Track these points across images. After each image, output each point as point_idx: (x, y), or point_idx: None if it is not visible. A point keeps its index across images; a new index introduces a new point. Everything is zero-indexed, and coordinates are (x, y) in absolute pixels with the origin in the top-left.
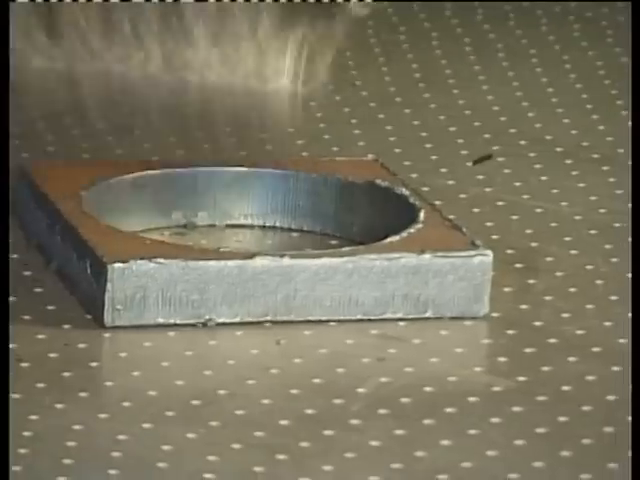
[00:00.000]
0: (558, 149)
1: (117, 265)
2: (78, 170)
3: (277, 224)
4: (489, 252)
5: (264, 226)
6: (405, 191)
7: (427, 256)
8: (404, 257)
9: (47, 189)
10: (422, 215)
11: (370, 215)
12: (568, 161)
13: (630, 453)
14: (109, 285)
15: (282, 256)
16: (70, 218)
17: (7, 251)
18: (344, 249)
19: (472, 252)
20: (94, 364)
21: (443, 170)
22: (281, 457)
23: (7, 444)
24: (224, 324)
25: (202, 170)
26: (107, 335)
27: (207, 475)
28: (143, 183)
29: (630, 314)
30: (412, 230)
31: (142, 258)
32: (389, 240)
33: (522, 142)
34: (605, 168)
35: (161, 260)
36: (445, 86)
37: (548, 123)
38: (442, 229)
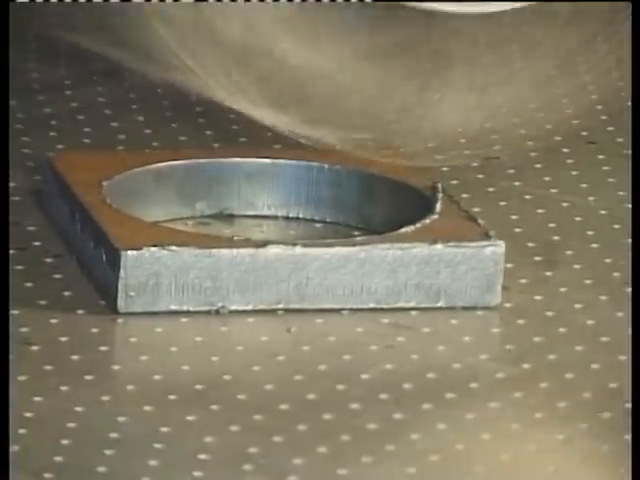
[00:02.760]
0: (592, 145)
1: (130, 252)
2: (102, 160)
3: (300, 215)
4: (501, 243)
5: (287, 217)
6: (425, 183)
7: (439, 246)
8: (416, 247)
9: (70, 178)
10: (438, 206)
11: (391, 207)
12: (601, 156)
13: (626, 437)
14: (122, 272)
15: (294, 245)
16: (90, 207)
17: (7, 246)
18: (357, 238)
19: (484, 242)
20: (103, 348)
21: (474, 164)
22: (277, 439)
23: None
24: (236, 312)
25: (226, 161)
26: (120, 321)
27: (202, 456)
28: (167, 173)
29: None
30: (427, 221)
31: (155, 245)
32: (403, 230)
33: (557, 138)
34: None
35: (174, 247)
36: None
37: (586, 120)
38: (457, 220)
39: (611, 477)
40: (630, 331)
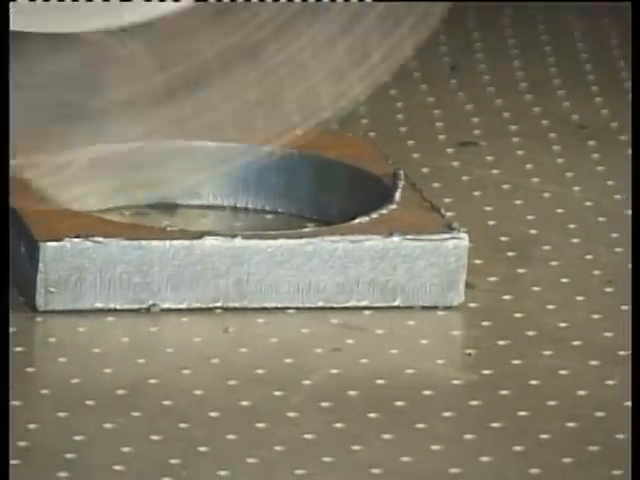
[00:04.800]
0: (583, 130)
1: (50, 244)
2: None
3: (249, 205)
4: (465, 235)
5: (235, 207)
6: (388, 170)
7: (395, 239)
8: (370, 239)
9: None
10: (397, 195)
11: (349, 196)
12: (591, 142)
13: (591, 448)
14: (41, 265)
15: (234, 236)
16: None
17: (7, 247)
18: (304, 230)
19: (446, 235)
20: (19, 349)
21: (449, 150)
22: (203, 449)
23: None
24: (170, 310)
25: (167, 145)
26: (38, 319)
27: (117, 467)
28: (101, 157)
29: (628, 307)
30: (384, 211)
31: (78, 236)
32: (356, 221)
33: (545, 122)
34: (630, 152)
35: (99, 239)
36: (471, 61)
37: (578, 102)
38: (418, 211)
39: None
40: (609, 333)
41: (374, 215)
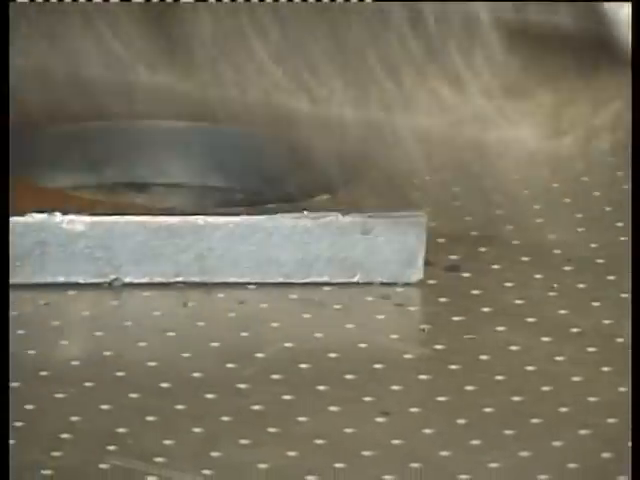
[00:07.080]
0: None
1: (14, 218)
2: None
3: (218, 184)
4: (423, 213)
5: (205, 186)
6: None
7: (355, 216)
8: (329, 216)
9: None
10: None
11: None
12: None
13: (534, 420)
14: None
15: (195, 213)
16: None
17: (7, 245)
18: (265, 207)
19: (405, 213)
20: None
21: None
22: (150, 419)
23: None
24: (132, 284)
25: (138, 123)
26: None
27: (64, 435)
28: (73, 136)
29: (584, 285)
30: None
31: (43, 212)
32: (317, 198)
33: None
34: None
35: (63, 214)
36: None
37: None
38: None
39: (510, 461)
40: (564, 310)
41: (336, 193)
